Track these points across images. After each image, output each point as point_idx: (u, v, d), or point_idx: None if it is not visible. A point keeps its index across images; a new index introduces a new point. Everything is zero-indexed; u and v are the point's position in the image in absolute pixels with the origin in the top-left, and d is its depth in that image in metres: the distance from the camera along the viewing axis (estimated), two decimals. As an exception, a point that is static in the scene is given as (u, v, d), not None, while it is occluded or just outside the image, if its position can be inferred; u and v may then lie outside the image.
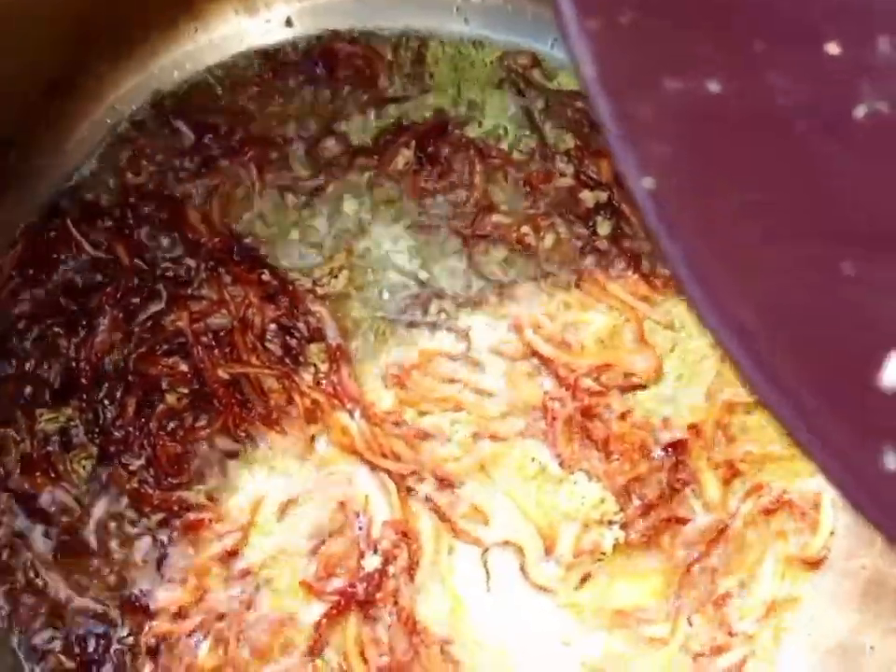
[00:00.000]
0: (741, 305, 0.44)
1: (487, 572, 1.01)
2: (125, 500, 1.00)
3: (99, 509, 1.00)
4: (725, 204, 0.46)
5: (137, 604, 0.98)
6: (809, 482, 1.05)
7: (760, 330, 0.44)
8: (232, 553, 0.99)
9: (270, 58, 1.11)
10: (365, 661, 0.98)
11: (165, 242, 1.06)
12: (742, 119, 0.47)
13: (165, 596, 0.99)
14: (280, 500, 1.00)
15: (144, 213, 1.07)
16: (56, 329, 1.03)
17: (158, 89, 1.10)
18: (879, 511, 0.44)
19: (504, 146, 1.10)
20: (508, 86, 1.11)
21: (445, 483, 1.02)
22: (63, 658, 0.97)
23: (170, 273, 1.05)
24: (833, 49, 0.48)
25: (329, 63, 1.11)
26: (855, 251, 0.46)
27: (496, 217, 1.08)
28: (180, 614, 0.98)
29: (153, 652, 0.97)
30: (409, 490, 1.01)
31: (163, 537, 0.99)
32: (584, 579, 1.01)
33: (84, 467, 1.01)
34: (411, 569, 0.99)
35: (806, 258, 0.46)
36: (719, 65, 0.46)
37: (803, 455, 0.44)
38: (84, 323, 1.03)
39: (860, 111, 0.47)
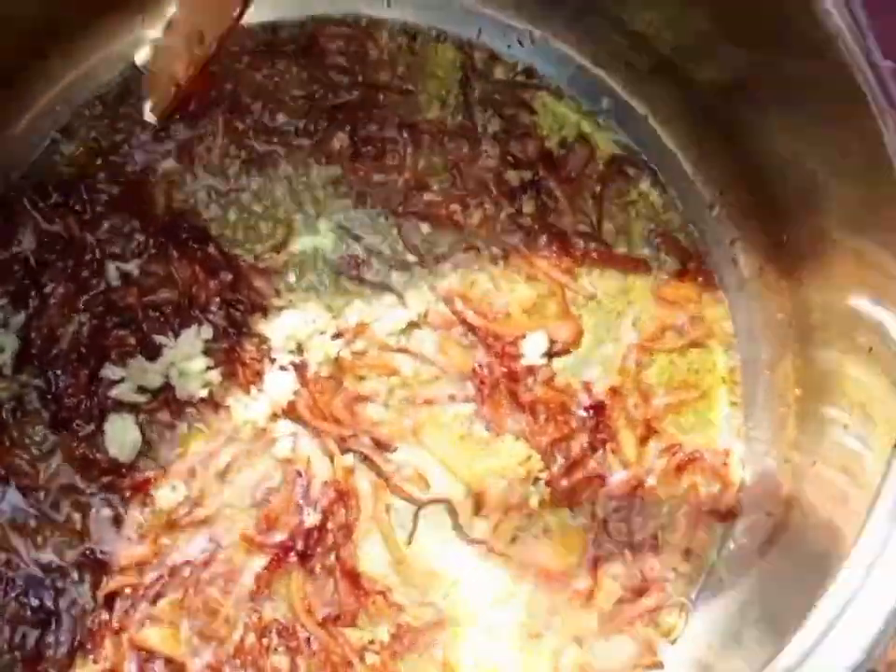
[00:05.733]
0: None
1: (415, 526, 1.08)
2: (75, 468, 1.06)
3: (51, 477, 1.06)
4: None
5: (95, 560, 1.04)
6: (720, 440, 1.13)
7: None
8: (183, 511, 1.06)
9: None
10: (310, 612, 1.05)
11: (116, 218, 1.11)
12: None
13: (125, 553, 1.05)
14: (225, 461, 1.07)
15: (97, 189, 1.12)
16: (8, 302, 1.08)
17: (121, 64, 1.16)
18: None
19: (436, 130, 1.17)
20: (451, 74, 1.18)
21: (382, 444, 1.08)
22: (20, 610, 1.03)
23: (119, 250, 1.11)
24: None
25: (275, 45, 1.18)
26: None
27: (427, 196, 1.15)
28: (139, 569, 1.04)
29: (110, 606, 1.03)
30: (348, 451, 1.08)
31: (115, 497, 1.05)
32: (514, 538, 1.09)
33: (37, 432, 1.06)
34: (349, 525, 1.06)
35: None
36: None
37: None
38: (35, 296, 1.08)
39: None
